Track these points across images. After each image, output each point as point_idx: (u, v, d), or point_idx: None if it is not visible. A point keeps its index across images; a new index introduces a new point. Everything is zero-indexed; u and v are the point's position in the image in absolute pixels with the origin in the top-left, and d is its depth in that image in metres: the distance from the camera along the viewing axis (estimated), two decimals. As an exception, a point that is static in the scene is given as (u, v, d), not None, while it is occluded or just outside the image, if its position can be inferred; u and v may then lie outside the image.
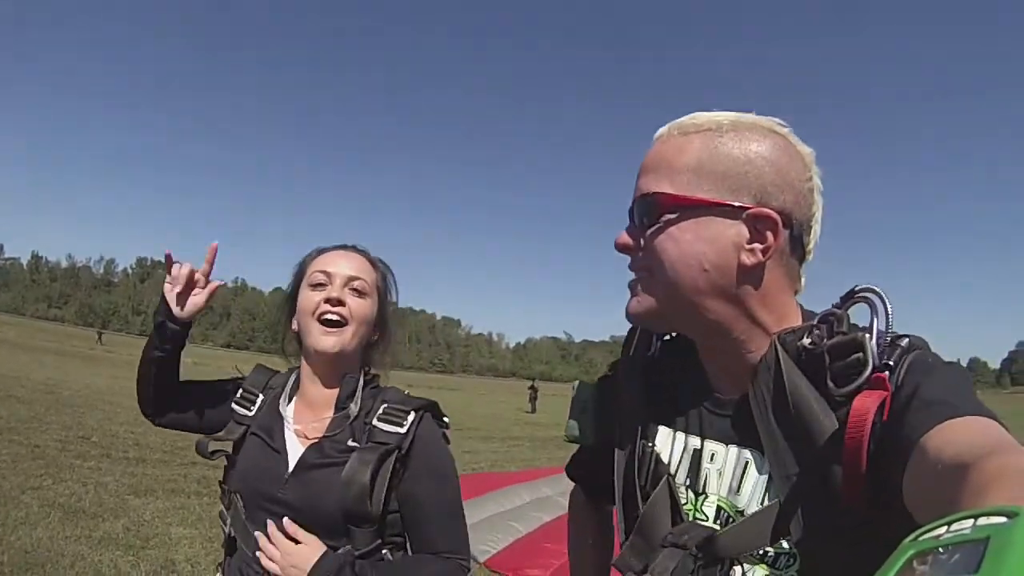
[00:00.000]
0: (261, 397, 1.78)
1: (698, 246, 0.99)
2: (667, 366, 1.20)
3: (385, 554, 1.59)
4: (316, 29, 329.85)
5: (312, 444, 1.64)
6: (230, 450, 1.74)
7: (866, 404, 0.85)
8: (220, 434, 1.74)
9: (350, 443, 1.60)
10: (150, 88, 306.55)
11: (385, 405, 1.64)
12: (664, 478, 1.11)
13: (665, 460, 1.13)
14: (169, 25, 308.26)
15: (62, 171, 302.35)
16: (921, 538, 0.41)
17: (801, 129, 1.04)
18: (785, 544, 0.95)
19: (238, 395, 1.80)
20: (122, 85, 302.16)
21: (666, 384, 1.17)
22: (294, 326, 1.76)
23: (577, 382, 1.38)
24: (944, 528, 0.41)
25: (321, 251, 1.80)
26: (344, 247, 1.81)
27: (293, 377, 1.80)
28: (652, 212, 1.03)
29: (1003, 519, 0.39)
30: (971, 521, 0.40)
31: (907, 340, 0.93)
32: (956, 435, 0.75)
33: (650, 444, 1.15)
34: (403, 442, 1.58)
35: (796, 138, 1.04)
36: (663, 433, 1.15)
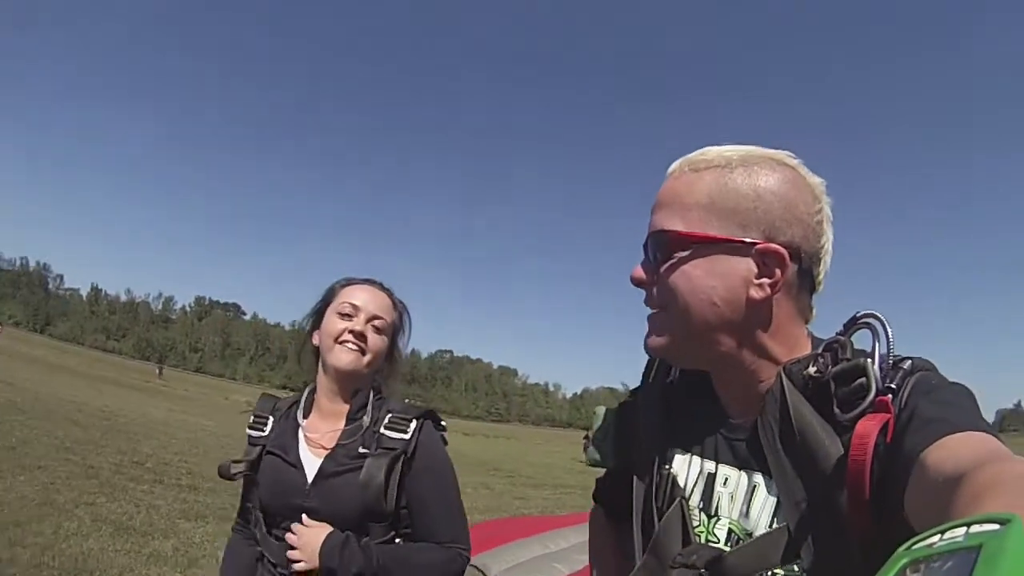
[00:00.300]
0: (271, 419, 1.99)
1: (708, 281, 1.03)
2: (685, 392, 1.23)
3: (398, 542, 1.83)
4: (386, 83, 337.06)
5: (328, 454, 1.85)
6: (249, 471, 1.96)
7: (868, 427, 0.87)
8: (239, 457, 1.97)
9: (361, 450, 1.83)
10: (209, 131, 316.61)
11: (390, 415, 1.87)
12: (677, 500, 1.14)
13: (681, 483, 1.16)
14: (248, 72, 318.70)
15: (122, 207, 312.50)
16: (915, 547, 0.42)
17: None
18: (795, 567, 0.96)
19: (251, 421, 2.01)
20: (180, 126, 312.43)
21: (683, 410, 1.21)
22: (315, 340, 1.98)
23: (602, 408, 1.42)
24: (937, 537, 0.42)
25: (350, 281, 2.03)
26: (371, 282, 2.04)
27: (308, 391, 2.02)
28: (664, 249, 1.06)
29: (996, 526, 0.40)
30: (964, 529, 0.41)
31: (909, 362, 0.96)
32: (954, 449, 0.77)
33: (667, 467, 1.18)
34: (408, 446, 1.82)
35: (806, 169, 1.07)
36: (680, 457, 1.18)
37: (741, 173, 1.04)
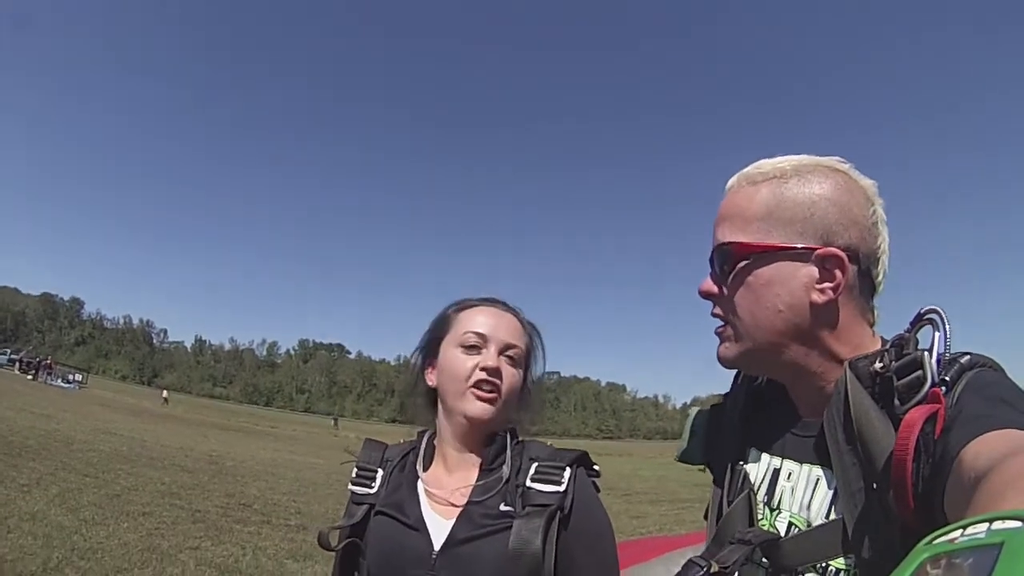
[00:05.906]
0: (380, 472, 1.68)
1: (773, 289, 1.12)
2: (766, 394, 1.33)
3: None
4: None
5: (460, 514, 1.53)
6: (353, 536, 1.63)
7: (913, 417, 0.90)
8: (341, 521, 1.65)
9: (503, 507, 1.50)
10: (301, 181, 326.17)
11: (536, 464, 1.54)
12: (745, 492, 1.23)
13: (751, 479, 1.25)
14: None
15: (219, 261, 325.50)
16: (935, 542, 0.43)
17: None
18: (843, 561, 1.02)
19: (353, 475, 1.70)
20: (268, 180, 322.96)
21: (763, 411, 1.31)
22: (430, 380, 1.69)
23: (695, 408, 1.51)
24: (959, 532, 0.43)
25: (469, 306, 1.70)
26: (494, 303, 1.72)
27: (426, 440, 1.72)
28: (729, 260, 1.16)
29: (1018, 523, 0.41)
30: (986, 525, 0.42)
31: (967, 357, 1.01)
32: (990, 445, 0.79)
33: (741, 464, 1.28)
34: (564, 501, 1.49)
35: (857, 172, 1.16)
36: (753, 454, 1.28)
37: (795, 183, 1.13)
